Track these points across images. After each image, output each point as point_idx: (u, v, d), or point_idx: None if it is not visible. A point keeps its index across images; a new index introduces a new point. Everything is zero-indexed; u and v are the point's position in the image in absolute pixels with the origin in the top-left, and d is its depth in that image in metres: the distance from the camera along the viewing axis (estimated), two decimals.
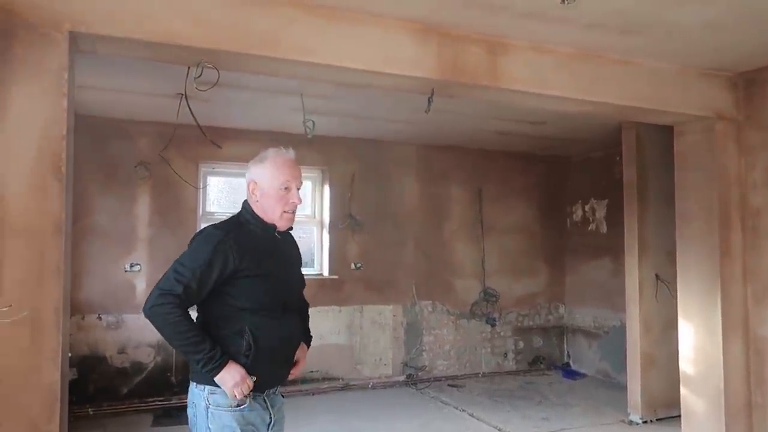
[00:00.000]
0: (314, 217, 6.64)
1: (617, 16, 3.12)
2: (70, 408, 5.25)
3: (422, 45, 3.17)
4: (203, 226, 5.88)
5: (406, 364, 6.76)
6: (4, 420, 2.36)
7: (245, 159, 5.87)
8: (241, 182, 6.32)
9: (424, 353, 6.87)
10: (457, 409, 5.75)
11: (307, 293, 5.94)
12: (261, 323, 2.15)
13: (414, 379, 6.74)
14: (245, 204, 2.31)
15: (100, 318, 5.55)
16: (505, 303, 7.32)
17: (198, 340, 2.07)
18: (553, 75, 3.54)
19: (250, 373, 2.09)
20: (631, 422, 5.30)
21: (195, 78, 2.93)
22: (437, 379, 6.84)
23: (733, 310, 4.01)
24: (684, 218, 4.26)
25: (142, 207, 5.74)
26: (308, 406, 5.76)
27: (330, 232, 6.51)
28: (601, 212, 7.13)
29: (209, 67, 2.94)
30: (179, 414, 5.38)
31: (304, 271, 6.18)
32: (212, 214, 6.22)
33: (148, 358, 5.69)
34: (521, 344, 7.43)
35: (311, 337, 2.64)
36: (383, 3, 2.94)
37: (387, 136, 6.54)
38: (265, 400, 2.20)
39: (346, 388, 6.41)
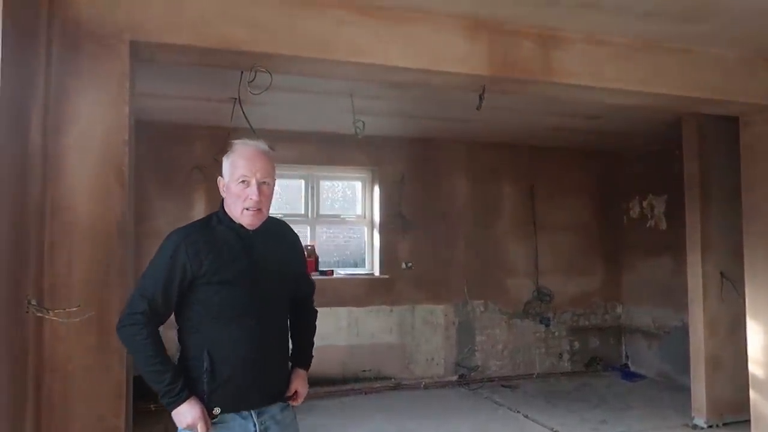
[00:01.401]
0: (364, 218, 6.66)
1: (676, 3, 2.99)
2: (134, 404, 5.49)
3: (472, 41, 3.13)
4: None
5: (458, 364, 6.70)
6: (75, 414, 2.47)
7: (296, 161, 6.05)
8: (293, 184, 6.46)
9: (476, 353, 6.80)
10: (511, 410, 5.66)
11: (358, 293, 5.94)
12: (223, 337, 1.95)
13: (466, 379, 6.68)
14: (221, 202, 2.13)
15: None
16: (559, 302, 7.16)
17: (161, 369, 1.89)
18: (609, 67, 3.43)
19: (211, 401, 1.92)
20: (695, 426, 5.09)
21: (249, 82, 2.98)
22: (490, 380, 6.75)
23: None
24: (752, 213, 4.06)
25: (198, 210, 5.89)
26: (361, 405, 5.79)
27: (380, 232, 6.53)
28: (659, 208, 6.88)
29: (262, 71, 2.99)
30: None
31: (357, 270, 6.25)
32: None
33: None
34: (576, 345, 7.25)
35: (311, 354, 2.41)
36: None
37: (436, 135, 6.50)
38: (249, 412, 2.02)
39: (398, 387, 6.41)
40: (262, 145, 2.12)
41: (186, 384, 1.91)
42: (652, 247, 6.97)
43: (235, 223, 2.06)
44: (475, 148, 6.89)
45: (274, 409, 2.10)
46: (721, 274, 5.08)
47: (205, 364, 1.93)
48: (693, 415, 5.16)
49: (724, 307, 5.02)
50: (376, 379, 6.37)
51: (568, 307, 7.23)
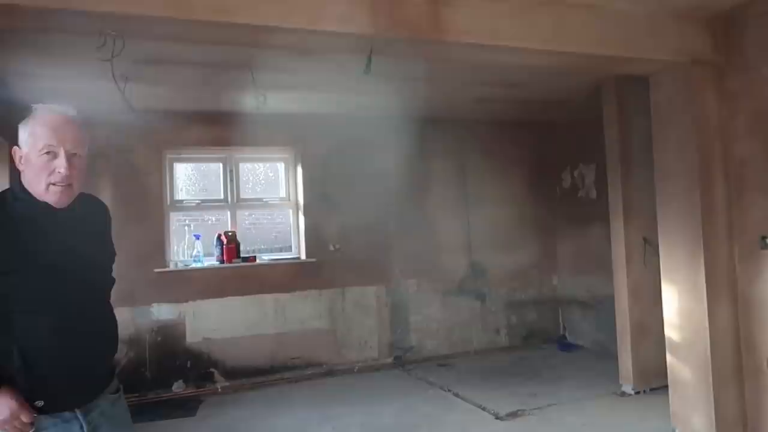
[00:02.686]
0: (289, 200, 6.38)
1: None
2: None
3: None
4: (171, 215, 5.73)
5: (392, 346, 6.54)
6: None
7: (211, 143, 5.71)
8: (211, 168, 6.12)
9: (411, 333, 6.64)
10: (442, 389, 5.53)
11: (283, 279, 5.72)
12: (32, 332, 1.72)
13: (402, 360, 6.52)
14: (18, 177, 1.82)
15: None
16: (495, 277, 7.06)
17: None
18: (507, 24, 3.23)
19: (32, 396, 1.71)
20: (623, 393, 5.06)
21: (97, 48, 2.66)
22: (427, 360, 6.61)
23: (718, 271, 3.72)
24: (663, 175, 3.96)
25: (105, 199, 5.48)
26: (288, 394, 5.56)
27: (305, 215, 6.26)
28: (590, 177, 6.81)
29: (113, 35, 2.66)
30: (154, 410, 5.22)
31: (282, 255, 5.97)
32: (180, 202, 6.00)
33: (120, 354, 5.50)
34: (514, 319, 7.18)
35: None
36: None
37: (361, 111, 6.24)
38: (74, 413, 1.81)
39: (330, 373, 6.20)
40: (71, 110, 1.84)
41: None
42: (583, 217, 6.91)
43: (37, 200, 1.77)
44: (404, 124, 6.65)
45: (104, 404, 1.88)
46: (644, 239, 5.04)
47: (17, 363, 1.70)
48: (621, 382, 5.13)
49: (648, 273, 4.97)
50: (307, 366, 6.14)
51: (505, 282, 7.13)
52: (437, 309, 6.78)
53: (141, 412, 5.16)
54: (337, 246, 6.34)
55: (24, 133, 1.78)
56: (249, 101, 4.34)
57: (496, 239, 7.08)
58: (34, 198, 1.77)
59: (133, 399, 5.43)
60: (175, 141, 5.78)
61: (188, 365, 5.71)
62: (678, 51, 3.74)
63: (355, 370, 6.30)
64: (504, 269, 7.11)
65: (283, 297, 6.09)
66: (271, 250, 6.39)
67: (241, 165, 6.26)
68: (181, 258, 5.93)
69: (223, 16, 2.61)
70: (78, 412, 1.80)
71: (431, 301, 6.75)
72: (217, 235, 5.96)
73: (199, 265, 5.85)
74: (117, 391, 1.97)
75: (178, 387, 5.62)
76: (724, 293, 3.74)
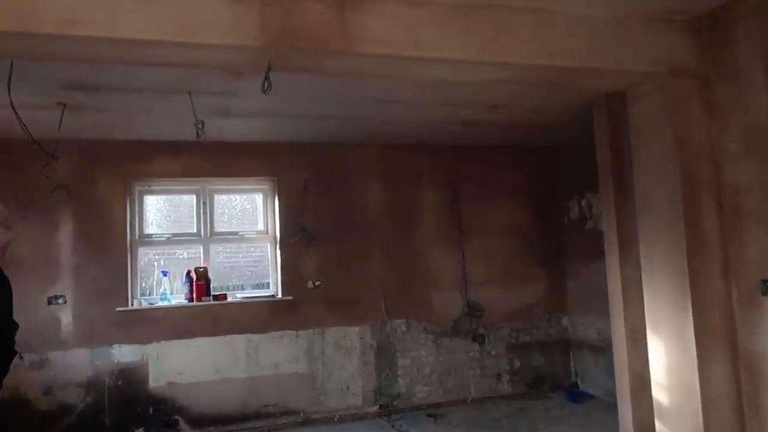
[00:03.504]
0: (267, 233, 6.01)
1: None
2: None
3: (239, 3, 2.50)
4: (139, 249, 5.45)
5: (378, 393, 5.99)
6: None
7: (180, 174, 5.43)
8: (183, 200, 5.83)
9: (399, 379, 6.08)
10: None
11: (257, 318, 5.43)
12: None
13: (389, 408, 5.96)
14: None
15: (21, 357, 5.07)
16: (495, 317, 6.44)
17: None
18: (433, 32, 2.79)
19: None
20: None
21: None
22: (417, 408, 6.03)
23: (711, 319, 3.08)
24: (644, 205, 3.37)
25: (65, 234, 5.28)
26: None
27: (281, 249, 5.87)
28: (597, 207, 6.17)
29: None
30: None
31: (256, 293, 5.59)
32: (150, 236, 5.71)
33: (77, 398, 5.19)
34: (517, 363, 6.51)
35: None
36: None
37: (342, 138, 5.87)
38: None
39: (308, 422, 5.70)
40: None
41: None
42: (593, 251, 6.22)
43: None
44: (389, 151, 6.25)
45: None
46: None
47: None
48: None
49: None
50: (282, 414, 5.67)
51: (506, 322, 6.50)
52: (429, 352, 6.21)
53: None
54: (317, 283, 5.90)
55: None
56: (191, 129, 3.97)
57: (495, 274, 6.49)
58: None
59: None
60: (142, 172, 5.53)
61: (150, 411, 5.33)
62: (654, 61, 3.19)
63: (336, 419, 5.78)
64: (505, 307, 6.49)
65: (256, 338, 5.67)
66: (248, 288, 6.00)
67: (216, 197, 5.95)
68: (147, 296, 5.62)
69: (69, 29, 2.26)
70: None
71: (422, 343, 6.19)
72: (186, 271, 5.63)
73: (165, 303, 5.52)
74: None
75: None
76: (721, 346, 3.09)
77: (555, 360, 6.65)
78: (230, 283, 5.94)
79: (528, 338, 6.58)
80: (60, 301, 5.21)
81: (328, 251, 5.96)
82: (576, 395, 6.26)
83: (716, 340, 3.07)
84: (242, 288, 5.97)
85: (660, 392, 3.27)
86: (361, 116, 5.05)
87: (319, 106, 4.57)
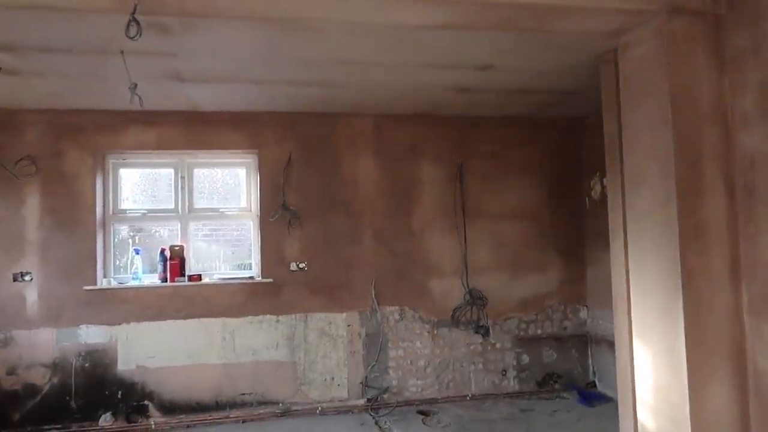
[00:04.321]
0: (250, 210, 5.58)
1: None
2: None
3: None
4: (113, 226, 5.13)
5: (366, 385, 5.50)
6: None
7: (155, 146, 5.05)
8: (160, 173, 5.47)
9: (390, 371, 5.57)
10: None
11: (234, 301, 5.03)
12: None
13: (377, 402, 5.47)
14: None
15: None
16: (501, 307, 5.81)
17: None
18: None
19: None
20: None
21: None
22: (408, 403, 5.51)
23: (710, 330, 2.39)
24: (633, 182, 2.68)
25: (31, 208, 5.01)
26: None
27: (261, 228, 5.42)
28: None
29: None
30: None
31: (230, 274, 5.15)
32: (124, 212, 5.39)
33: (42, 379, 4.96)
34: (526, 358, 5.86)
35: None
36: None
37: (332, 108, 5.33)
38: None
39: (288, 413, 5.29)
40: None
41: None
42: None
43: None
44: (386, 122, 5.66)
45: None
46: None
47: None
48: None
49: None
50: (260, 404, 5.28)
51: (513, 313, 5.85)
52: (425, 343, 5.65)
53: None
54: (301, 265, 5.44)
55: None
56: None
57: (503, 260, 5.83)
58: None
59: (55, 430, 4.88)
60: (113, 144, 5.18)
61: (119, 396, 5.05)
62: None
63: (318, 412, 5.34)
64: (512, 297, 5.84)
65: (233, 322, 5.28)
66: (232, 269, 5.61)
67: (196, 171, 5.55)
68: (121, 275, 5.32)
69: None
70: None
71: (417, 333, 5.64)
72: (160, 249, 5.28)
73: (136, 283, 5.19)
74: None
75: (105, 420, 4.98)
76: (722, 365, 2.40)
77: (570, 356, 5.96)
78: (210, 264, 5.55)
79: (539, 331, 5.91)
80: (26, 278, 4.97)
81: (314, 231, 5.47)
82: (589, 396, 5.57)
83: (716, 358, 2.38)
84: (225, 269, 5.58)
85: (645, 414, 2.61)
86: (332, 81, 4.48)
87: (277, 68, 4.05)
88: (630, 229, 2.72)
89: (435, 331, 5.68)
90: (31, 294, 4.98)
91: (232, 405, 5.23)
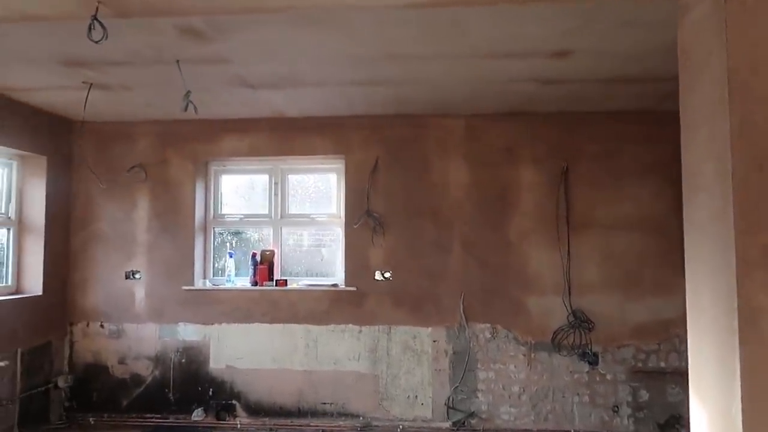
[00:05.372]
0: (339, 217, 5.51)
1: None
2: (70, 414, 5.25)
3: None
4: (213, 229, 5.41)
5: (451, 407, 5.10)
6: None
7: (248, 153, 5.24)
8: (256, 179, 5.64)
9: (479, 394, 5.10)
10: None
11: (317, 308, 5.11)
12: None
13: (464, 427, 5.04)
14: None
15: (102, 326, 5.42)
16: (612, 333, 5.03)
17: None
18: None
19: None
20: None
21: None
22: (499, 431, 5.01)
23: None
24: (690, 185, 2.05)
25: (141, 211, 5.45)
26: None
27: (346, 235, 5.31)
28: None
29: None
30: None
31: (314, 281, 5.11)
32: (223, 216, 5.64)
33: (146, 371, 5.36)
34: (644, 395, 5.00)
35: None
36: None
37: (421, 109, 5.06)
38: None
39: (368, 428, 5.10)
40: None
41: None
42: None
43: None
44: (478, 122, 5.23)
45: None
46: None
47: None
48: None
49: None
50: (340, 415, 5.16)
51: (629, 340, 5.03)
52: (520, 367, 5.09)
53: None
54: (386, 274, 5.22)
55: None
56: (180, 104, 3.64)
57: (616, 278, 5.04)
58: None
59: (155, 420, 5.24)
60: (210, 152, 5.45)
61: (210, 393, 5.28)
62: None
63: (399, 430, 5.07)
64: (628, 321, 5.02)
65: (316, 329, 5.24)
66: (320, 275, 5.58)
67: (290, 177, 5.63)
68: (220, 276, 5.57)
69: None
70: None
71: (511, 355, 5.10)
72: (252, 253, 5.43)
73: (228, 285, 5.39)
74: None
75: (197, 415, 5.23)
76: None
77: None
78: (299, 269, 5.58)
79: (662, 364, 5.01)
80: (136, 276, 5.42)
81: (399, 239, 5.22)
82: None
83: None
84: (315, 275, 5.57)
85: None
86: (387, 79, 4.19)
87: (330, 68, 3.89)
88: (688, 250, 2.08)
89: (532, 355, 5.09)
90: (140, 291, 5.41)
91: (313, 413, 5.18)
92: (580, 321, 5.03)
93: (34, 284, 5.10)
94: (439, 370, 5.15)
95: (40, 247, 5.11)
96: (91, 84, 4.21)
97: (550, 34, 3.26)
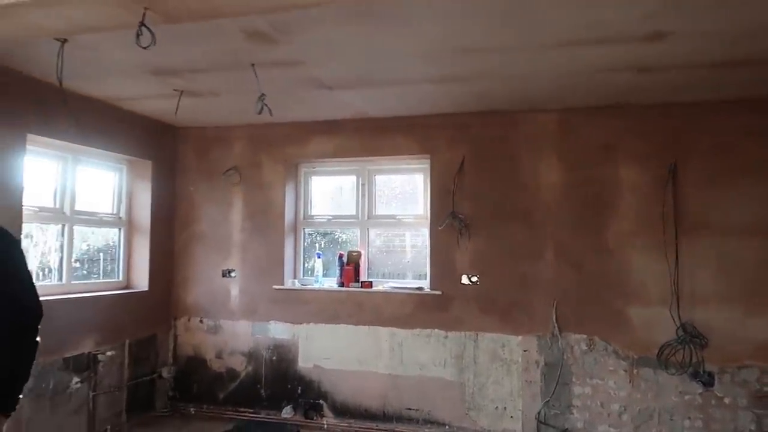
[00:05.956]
0: (426, 219, 5.37)
1: None
2: (173, 403, 5.59)
3: None
4: (304, 231, 5.52)
5: (542, 422, 4.78)
6: None
7: (333, 155, 5.30)
8: (344, 182, 5.66)
9: (574, 410, 4.73)
10: None
11: (401, 312, 5.18)
12: None
13: None
14: None
15: (201, 321, 5.71)
16: (731, 351, 4.45)
17: None
18: None
19: None
20: None
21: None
22: None
23: None
24: None
25: (236, 213, 5.67)
26: None
27: (431, 237, 5.16)
28: None
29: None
30: (254, 429, 5.12)
31: (400, 284, 5.00)
32: (312, 217, 5.73)
33: (240, 366, 5.57)
34: None
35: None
36: None
37: (509, 105, 4.80)
38: None
39: None
40: None
41: None
42: None
43: None
44: (572, 117, 4.85)
45: None
46: None
47: None
48: None
49: None
50: (425, 422, 5.04)
51: (752, 360, 4.42)
52: (621, 383, 4.65)
53: (246, 429, 5.13)
54: (473, 279, 5.01)
55: None
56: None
57: (734, 290, 4.45)
58: None
59: (248, 414, 5.45)
60: (299, 154, 5.54)
61: (299, 391, 5.37)
62: None
63: None
64: (749, 339, 4.42)
65: (401, 333, 5.14)
66: (407, 277, 5.48)
67: (377, 178, 5.58)
68: (302, 276, 5.66)
69: None
70: None
71: (611, 370, 4.68)
72: (338, 255, 5.45)
73: (316, 286, 5.45)
74: None
75: (287, 412, 5.35)
76: None
77: None
78: (385, 270, 5.52)
79: None
80: (232, 275, 5.65)
81: (487, 242, 4.98)
82: None
83: None
84: (401, 277, 5.49)
85: None
86: (481, 75, 3.98)
87: (402, 66, 3.76)
88: None
89: (635, 371, 4.63)
90: (234, 289, 5.63)
91: (398, 418, 5.09)
92: (691, 336, 4.49)
93: (142, 280, 5.47)
94: (530, 381, 4.85)
95: (147, 246, 5.47)
96: (182, 91, 4.42)
97: (632, 18, 2.90)
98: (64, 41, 3.32)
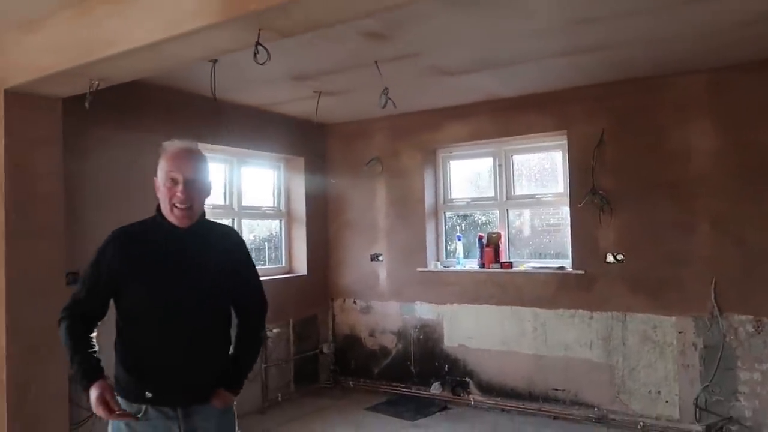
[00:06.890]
0: (566, 196, 5.22)
1: None
2: (335, 376, 6.15)
3: None
4: (444, 215, 5.74)
5: (702, 408, 4.44)
6: None
7: (469, 138, 5.43)
8: (482, 164, 5.72)
9: (740, 398, 4.32)
10: None
11: (543, 292, 5.27)
12: (144, 336, 1.97)
13: (719, 431, 4.36)
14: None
15: (355, 303, 6.17)
16: None
17: (71, 354, 1.94)
18: None
19: (132, 388, 1.96)
20: None
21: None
22: None
23: None
24: None
25: (380, 200, 6.01)
26: None
27: (571, 215, 5.01)
28: None
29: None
30: (406, 403, 5.45)
31: (540, 263, 4.97)
32: (452, 201, 5.88)
33: (391, 344, 5.93)
34: None
35: (237, 376, 2.12)
36: None
37: (652, 69, 4.47)
38: (174, 410, 1.98)
39: (604, 420, 4.79)
40: (190, 144, 2.06)
41: (94, 373, 1.93)
42: None
43: (167, 221, 2.00)
44: (725, 76, 4.38)
45: (209, 412, 2.03)
46: None
47: (129, 361, 2.00)
48: None
49: None
50: (572, 403, 4.95)
51: None
52: None
53: (393, 403, 5.52)
54: (619, 257, 4.79)
55: (159, 166, 2.02)
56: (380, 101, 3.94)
57: None
58: (166, 219, 2.01)
59: (399, 389, 5.81)
60: (435, 140, 5.70)
61: (445, 369, 5.58)
62: None
63: (640, 427, 4.64)
64: None
65: (544, 313, 5.09)
66: (547, 257, 5.39)
67: (515, 158, 5.55)
68: (445, 259, 5.82)
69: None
70: (179, 412, 1.98)
71: None
72: (478, 236, 5.53)
73: (458, 267, 5.60)
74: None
75: (435, 389, 5.59)
76: None
77: None
78: (526, 251, 5.48)
79: None
80: (379, 258, 6.02)
81: (630, 218, 4.72)
82: None
83: None
84: (542, 256, 5.42)
85: None
86: (610, 43, 3.77)
87: (537, 42, 3.71)
88: None
89: None
90: (382, 272, 5.99)
91: (545, 398, 5.07)
92: None
93: (301, 266, 6.07)
94: (687, 365, 4.52)
95: (304, 235, 6.05)
96: (320, 93, 4.82)
97: None
98: (214, 62, 3.85)
